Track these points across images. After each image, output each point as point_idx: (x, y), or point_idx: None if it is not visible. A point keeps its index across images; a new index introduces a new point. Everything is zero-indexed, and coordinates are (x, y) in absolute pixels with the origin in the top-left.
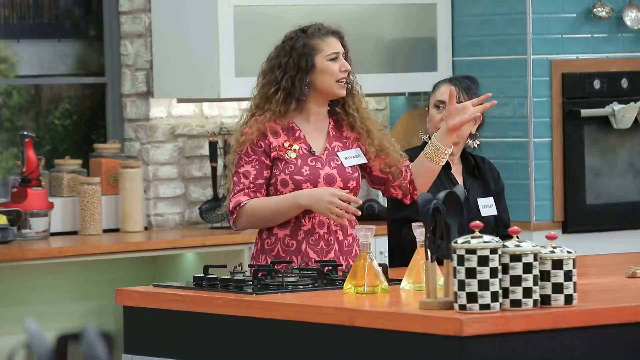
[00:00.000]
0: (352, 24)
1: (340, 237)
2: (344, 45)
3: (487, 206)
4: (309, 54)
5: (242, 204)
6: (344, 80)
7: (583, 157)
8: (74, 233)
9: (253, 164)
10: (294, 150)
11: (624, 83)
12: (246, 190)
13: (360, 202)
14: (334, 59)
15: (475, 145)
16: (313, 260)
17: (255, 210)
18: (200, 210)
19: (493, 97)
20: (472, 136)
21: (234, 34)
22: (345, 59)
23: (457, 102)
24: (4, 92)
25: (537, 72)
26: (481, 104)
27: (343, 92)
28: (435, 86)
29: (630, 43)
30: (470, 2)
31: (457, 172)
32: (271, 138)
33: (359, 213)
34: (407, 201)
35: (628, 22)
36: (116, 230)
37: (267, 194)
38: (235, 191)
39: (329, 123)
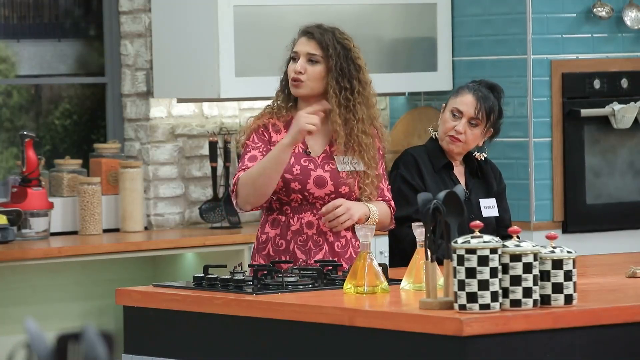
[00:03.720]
0: (352, 24)
1: (331, 239)
2: (321, 44)
3: (488, 207)
4: (290, 54)
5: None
6: (295, 80)
7: (583, 157)
8: (74, 233)
9: (260, 150)
10: None
11: (624, 83)
12: (246, 169)
13: (329, 106)
14: (294, 59)
15: (482, 158)
16: (301, 260)
17: (248, 174)
18: (200, 210)
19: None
20: (479, 149)
21: (234, 34)
22: (313, 59)
23: (476, 111)
24: (4, 92)
25: (537, 72)
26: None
27: (295, 92)
28: (458, 91)
29: (630, 43)
30: (470, 2)
31: (459, 172)
32: (272, 133)
33: (329, 106)
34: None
35: (628, 22)
36: (116, 230)
37: None
38: (238, 172)
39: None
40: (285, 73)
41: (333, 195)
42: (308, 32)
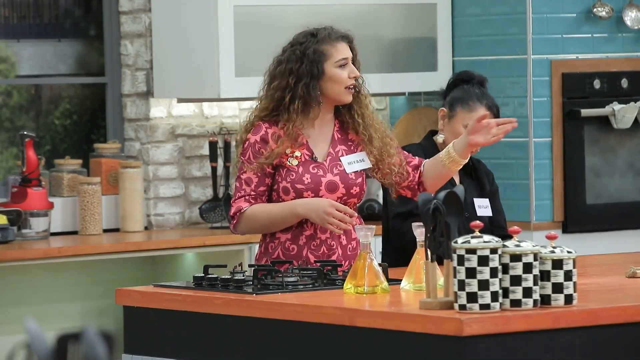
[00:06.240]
0: (352, 24)
1: (344, 242)
2: (353, 49)
3: (482, 207)
4: (319, 60)
5: (242, 210)
6: (352, 86)
7: (583, 157)
8: (74, 233)
9: (255, 171)
10: (296, 157)
11: (624, 83)
12: (247, 197)
13: (356, 215)
14: (343, 65)
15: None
16: (301, 260)
17: (255, 217)
18: (200, 210)
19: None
20: None
21: (234, 34)
22: (353, 63)
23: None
24: (4, 92)
25: (537, 72)
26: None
27: (350, 99)
28: (469, 104)
29: (630, 43)
30: (470, 2)
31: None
32: (273, 145)
33: (354, 223)
34: (416, 199)
35: (628, 22)
36: (116, 230)
37: (270, 200)
38: (237, 197)
39: (334, 126)
40: (308, 86)
41: (345, 198)
42: (346, 37)
